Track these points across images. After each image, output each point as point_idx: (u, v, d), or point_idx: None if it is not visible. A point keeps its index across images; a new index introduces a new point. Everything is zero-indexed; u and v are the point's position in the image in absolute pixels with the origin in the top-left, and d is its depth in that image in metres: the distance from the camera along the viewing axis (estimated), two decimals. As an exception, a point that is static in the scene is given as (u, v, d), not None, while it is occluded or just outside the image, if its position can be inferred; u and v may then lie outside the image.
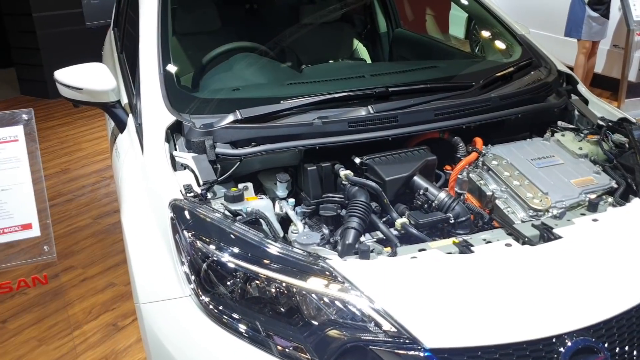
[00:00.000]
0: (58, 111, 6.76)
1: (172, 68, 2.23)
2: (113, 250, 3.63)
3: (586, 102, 2.40)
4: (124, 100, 2.50)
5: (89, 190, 4.63)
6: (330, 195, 1.92)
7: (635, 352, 1.52)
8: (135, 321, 2.83)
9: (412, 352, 1.39)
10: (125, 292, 3.16)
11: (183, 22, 3.12)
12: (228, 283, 1.53)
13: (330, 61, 3.08)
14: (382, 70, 2.59)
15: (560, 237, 1.64)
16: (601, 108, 2.36)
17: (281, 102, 2.05)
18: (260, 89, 2.32)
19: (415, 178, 1.92)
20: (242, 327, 1.48)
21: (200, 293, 1.53)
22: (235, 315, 1.50)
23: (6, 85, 8.17)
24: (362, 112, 2.04)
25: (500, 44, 2.76)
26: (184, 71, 2.84)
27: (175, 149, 1.96)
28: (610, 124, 2.23)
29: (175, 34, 3.02)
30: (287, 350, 1.44)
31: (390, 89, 2.14)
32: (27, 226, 1.94)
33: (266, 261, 1.51)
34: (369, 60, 3.57)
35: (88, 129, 6.14)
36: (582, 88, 2.46)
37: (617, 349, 1.49)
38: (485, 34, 2.92)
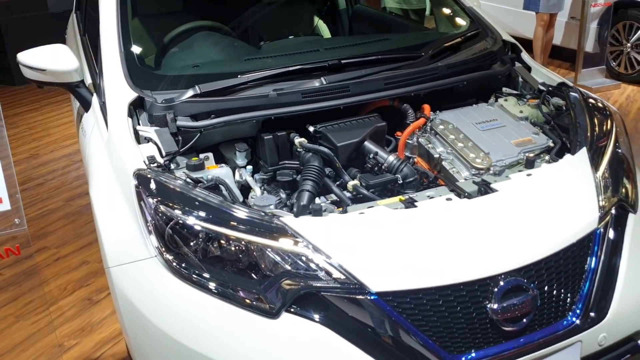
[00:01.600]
0: (25, 97, 6.73)
1: (133, 47, 2.31)
2: (86, 230, 3.71)
3: (529, 69, 2.55)
4: (88, 80, 2.57)
5: (60, 174, 4.67)
6: (287, 162, 2.04)
7: (562, 290, 1.68)
8: (110, 295, 2.94)
9: (359, 297, 1.54)
10: (99, 269, 3.25)
11: (145, 3, 3.18)
12: (191, 244, 1.65)
13: (291, 37, 3.18)
14: (336, 44, 2.69)
15: (496, 190, 1.79)
16: (542, 74, 2.51)
17: (238, 76, 2.16)
18: (219, 65, 2.42)
19: (366, 143, 2.05)
20: (205, 282, 1.60)
21: (165, 252, 1.65)
22: (199, 272, 1.62)
23: (-30, 73, 8.06)
24: (315, 83, 2.16)
25: (449, 16, 2.89)
26: (147, 51, 2.91)
27: (139, 124, 2.05)
28: (549, 88, 2.38)
29: (138, 15, 3.09)
30: (247, 300, 1.57)
31: (342, 61, 2.26)
32: (-2, 200, 2.01)
33: (225, 221, 1.63)
34: (329, 37, 3.66)
35: (56, 115, 6.14)
36: (525, 56, 2.60)
37: (546, 287, 1.65)
38: (437, 7, 3.05)
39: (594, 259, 1.74)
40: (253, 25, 3.28)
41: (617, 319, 1.71)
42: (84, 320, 2.85)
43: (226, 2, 3.66)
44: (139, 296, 1.67)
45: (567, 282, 1.70)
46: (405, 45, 2.60)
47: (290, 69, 2.19)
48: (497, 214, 1.72)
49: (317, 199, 1.94)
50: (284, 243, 1.59)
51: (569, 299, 1.69)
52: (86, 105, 2.42)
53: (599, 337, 1.70)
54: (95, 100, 2.36)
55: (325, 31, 3.74)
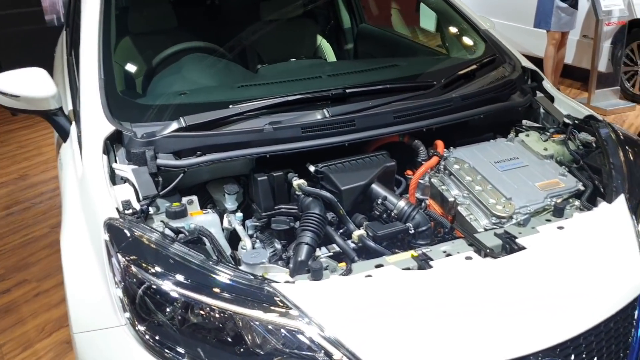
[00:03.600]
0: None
1: (118, 71, 2.08)
2: (70, 262, 3.46)
3: (552, 99, 2.31)
4: (70, 107, 2.34)
5: (48, 197, 4.45)
6: (283, 206, 1.80)
7: (604, 368, 1.43)
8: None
9: (365, 382, 1.28)
10: (81, 307, 3.00)
11: (137, 21, 2.95)
12: (167, 310, 1.41)
13: (292, 60, 2.96)
14: (341, 69, 2.47)
15: (523, 248, 1.55)
16: (567, 105, 2.28)
17: (230, 106, 1.92)
18: (209, 93, 2.18)
19: (374, 186, 1.81)
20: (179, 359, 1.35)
21: (136, 322, 1.40)
22: (175, 346, 1.37)
23: (-35, 87, 7.86)
24: (317, 116, 1.92)
25: (463, 40, 2.66)
26: (136, 74, 2.69)
27: (116, 161, 1.82)
28: (576, 122, 2.15)
29: (130, 34, 2.87)
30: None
31: (347, 91, 2.02)
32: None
33: (207, 287, 1.39)
34: (333, 58, 3.45)
35: (50, 132, 5.89)
36: (547, 84, 2.37)
37: (585, 366, 1.40)
38: (448, 29, 2.82)
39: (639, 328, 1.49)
40: (252, 45, 3.06)
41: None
42: (60, 367, 2.61)
43: (224, 20, 3.45)
44: (104, 371, 1.42)
45: (610, 356, 1.45)
46: (416, 72, 2.37)
47: (289, 98, 1.95)
48: (526, 279, 1.47)
49: (318, 249, 1.69)
50: (275, 315, 1.34)
51: (611, 377, 1.44)
52: (64, 135, 2.19)
53: None
54: (73, 129, 2.12)
55: (329, 52, 3.53)
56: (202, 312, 1.38)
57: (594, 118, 2.14)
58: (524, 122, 2.26)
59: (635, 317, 1.52)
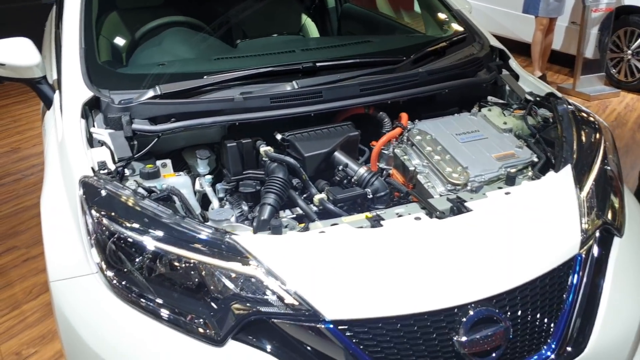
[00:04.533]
0: (13, 89, 6.58)
1: (94, 43, 2.18)
2: (58, 230, 3.57)
3: (517, 77, 2.41)
4: (54, 76, 2.44)
5: (39, 170, 4.54)
6: (251, 171, 1.91)
7: (537, 322, 1.55)
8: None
9: (312, 324, 1.40)
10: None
11: None
12: (136, 261, 1.52)
13: (273, 36, 3.04)
14: (316, 45, 2.56)
15: (470, 210, 1.66)
16: (531, 83, 2.38)
17: (204, 77, 2.02)
18: (187, 64, 2.28)
19: (336, 154, 1.92)
20: (145, 303, 1.47)
21: (105, 269, 1.52)
22: (142, 292, 1.49)
23: (-40, 62, 7.92)
24: (286, 87, 2.02)
25: (436, 20, 2.75)
26: (122, 47, 2.78)
27: (94, 126, 1.92)
28: (537, 99, 2.25)
29: (117, 9, 2.96)
30: (191, 325, 1.44)
31: (317, 64, 2.12)
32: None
33: (172, 238, 1.50)
34: (316, 36, 3.53)
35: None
36: (513, 63, 2.47)
37: (519, 318, 1.52)
38: (422, 9, 2.91)
39: (573, 287, 1.61)
40: (237, 22, 3.14)
41: (596, 354, 1.58)
42: (45, 327, 2.73)
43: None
44: (76, 314, 1.53)
45: (543, 313, 1.56)
46: (388, 48, 2.46)
47: (260, 71, 2.05)
48: (469, 237, 1.59)
49: (282, 212, 1.81)
50: (234, 263, 1.46)
51: (544, 332, 1.55)
52: (48, 103, 2.29)
53: None
54: (56, 98, 2.22)
55: (313, 30, 3.61)
56: (168, 262, 1.49)
57: (554, 95, 2.24)
58: (490, 98, 2.36)
59: (569, 282, 1.61)
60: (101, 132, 1.86)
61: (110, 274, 1.51)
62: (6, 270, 3.18)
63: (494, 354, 1.47)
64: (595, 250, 1.69)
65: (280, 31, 3.29)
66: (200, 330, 1.43)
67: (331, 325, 1.40)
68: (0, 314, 2.83)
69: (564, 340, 1.55)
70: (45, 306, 2.87)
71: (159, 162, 1.84)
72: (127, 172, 1.77)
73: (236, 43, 2.59)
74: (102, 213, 1.56)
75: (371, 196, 1.81)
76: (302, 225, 1.69)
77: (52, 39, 3.05)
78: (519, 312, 1.52)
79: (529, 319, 1.53)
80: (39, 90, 2.27)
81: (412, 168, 1.94)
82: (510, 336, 1.49)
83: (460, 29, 2.58)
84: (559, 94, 2.26)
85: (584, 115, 2.14)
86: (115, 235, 1.52)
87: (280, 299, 1.42)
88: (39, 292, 2.99)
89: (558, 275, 1.59)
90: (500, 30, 6.83)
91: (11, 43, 2.22)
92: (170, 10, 2.97)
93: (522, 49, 6.55)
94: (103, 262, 1.53)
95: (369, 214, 1.68)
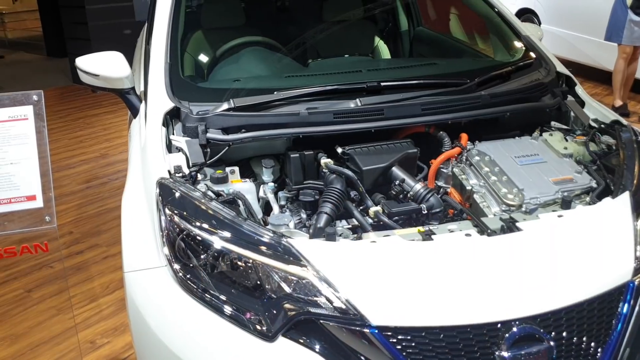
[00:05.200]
0: (105, 100, 7.10)
1: (178, 59, 2.38)
2: (136, 231, 3.83)
3: (582, 104, 2.41)
4: (142, 87, 2.67)
5: (123, 175, 4.83)
6: (311, 182, 2.02)
7: (583, 345, 1.55)
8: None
9: (358, 328, 1.48)
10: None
11: (209, 17, 3.28)
12: (201, 257, 1.66)
13: (344, 57, 3.18)
14: (383, 66, 2.66)
15: (520, 230, 1.69)
16: (596, 110, 2.37)
17: (275, 93, 2.17)
18: (259, 81, 2.45)
19: (394, 169, 2.00)
20: (206, 296, 1.60)
21: (173, 262, 1.67)
22: (205, 287, 1.62)
23: (61, 73, 8.63)
24: (350, 104, 2.13)
25: (505, 45, 2.79)
26: (205, 64, 3.01)
27: (173, 133, 2.11)
28: (602, 125, 2.24)
29: (202, 28, 3.20)
30: (245, 320, 1.55)
31: (381, 84, 2.22)
32: (32, 197, 2.12)
33: (235, 238, 1.63)
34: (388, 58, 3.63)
35: (130, 118, 6.42)
36: (579, 90, 2.47)
37: (564, 340, 1.53)
38: (491, 34, 2.95)
39: (623, 316, 1.60)
40: (311, 44, 3.30)
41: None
42: (119, 320, 2.94)
43: (289, 19, 3.72)
44: (146, 305, 1.69)
45: (590, 337, 1.56)
46: (452, 71, 2.53)
47: (326, 88, 2.18)
48: (517, 255, 1.62)
49: (338, 222, 1.90)
50: (290, 266, 1.57)
51: (590, 356, 1.55)
52: (134, 112, 2.51)
53: None
54: (142, 107, 2.44)
55: (385, 52, 3.72)
56: (230, 260, 1.62)
57: (619, 123, 2.23)
58: (553, 123, 2.37)
59: (619, 309, 1.60)
60: (179, 140, 2.03)
61: (177, 266, 1.66)
62: (87, 266, 3.45)
63: (535, 372, 1.50)
64: (649, 279, 1.67)
65: (353, 52, 3.43)
66: (253, 325, 1.54)
67: (376, 331, 1.48)
68: (79, 305, 3.07)
69: (611, 365, 1.55)
70: (119, 301, 3.10)
71: (228, 169, 1.99)
72: (199, 176, 1.93)
73: (308, 62, 2.74)
74: (175, 212, 1.71)
75: (426, 212, 1.88)
76: (356, 235, 1.78)
77: (142, 54, 3.32)
78: (564, 334, 1.53)
79: (574, 341, 1.54)
80: (127, 100, 2.49)
81: (469, 187, 1.99)
82: (554, 356, 1.51)
83: (528, 54, 2.60)
84: (625, 122, 2.24)
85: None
86: (184, 232, 1.67)
87: (330, 301, 1.51)
88: (115, 288, 3.22)
89: (608, 300, 1.59)
90: (581, 57, 6.68)
91: (105, 56, 2.46)
92: (250, 31, 3.17)
93: (603, 78, 6.38)
94: (172, 257, 1.68)
95: (421, 228, 1.75)
